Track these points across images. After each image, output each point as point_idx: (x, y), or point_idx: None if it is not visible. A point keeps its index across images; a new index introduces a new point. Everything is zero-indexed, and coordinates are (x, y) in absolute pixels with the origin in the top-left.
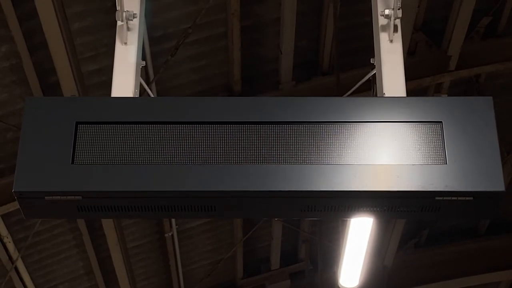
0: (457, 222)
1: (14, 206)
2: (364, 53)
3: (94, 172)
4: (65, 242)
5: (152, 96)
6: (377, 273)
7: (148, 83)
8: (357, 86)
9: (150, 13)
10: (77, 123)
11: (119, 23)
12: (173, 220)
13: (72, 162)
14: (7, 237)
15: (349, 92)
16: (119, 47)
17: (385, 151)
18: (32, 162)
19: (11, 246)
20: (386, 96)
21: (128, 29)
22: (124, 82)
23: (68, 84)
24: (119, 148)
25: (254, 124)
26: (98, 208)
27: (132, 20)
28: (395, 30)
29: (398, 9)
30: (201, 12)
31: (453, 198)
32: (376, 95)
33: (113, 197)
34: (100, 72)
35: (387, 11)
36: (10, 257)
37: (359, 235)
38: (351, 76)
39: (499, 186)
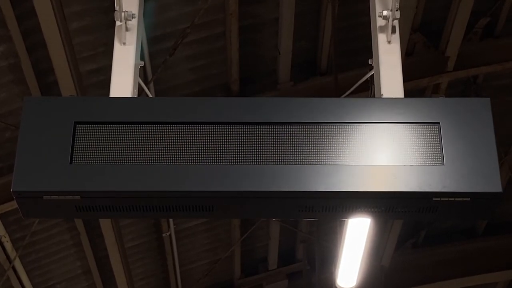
0: (455, 223)
1: (11, 205)
2: (362, 54)
3: (92, 172)
4: (63, 242)
5: (151, 96)
6: (375, 274)
7: (146, 83)
8: (355, 86)
9: (150, 13)
10: (76, 123)
11: (117, 23)
12: (171, 220)
13: (71, 162)
14: (5, 237)
15: (347, 93)
16: (117, 47)
17: (383, 152)
18: (31, 161)
19: (8, 246)
20: (384, 97)
21: (127, 29)
22: (123, 82)
23: (66, 84)
24: (117, 148)
25: (253, 125)
26: (97, 208)
27: (130, 20)
28: (393, 31)
29: (397, 10)
30: (199, 12)
31: (451, 198)
32: (374, 96)
33: (112, 197)
34: (98, 71)
35: (385, 12)
36: (7, 257)
37: (357, 235)
38: (349, 77)
39: (496, 187)
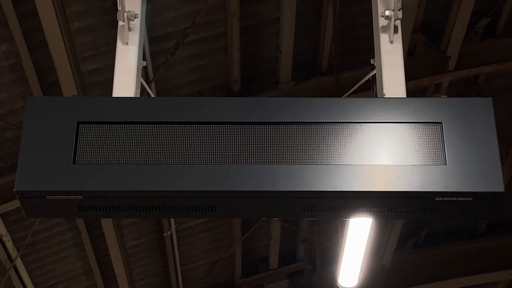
0: (455, 223)
1: (13, 205)
2: (363, 54)
3: (95, 172)
4: (64, 241)
5: (152, 96)
6: (376, 273)
7: (147, 83)
8: (356, 86)
9: (151, 13)
10: (79, 123)
11: (120, 23)
12: (172, 220)
13: (74, 162)
14: (6, 236)
15: (348, 93)
16: (120, 47)
17: (385, 152)
18: (34, 161)
19: (10, 245)
20: (386, 96)
21: (129, 29)
22: (125, 82)
23: (67, 84)
24: (120, 148)
25: (254, 125)
26: (99, 207)
27: (133, 20)
28: (395, 31)
29: (399, 10)
30: (200, 12)
31: (453, 198)
32: (376, 96)
33: (114, 197)
34: (99, 71)
35: (387, 12)
36: (9, 256)
37: (358, 235)
38: (350, 77)
39: (498, 186)
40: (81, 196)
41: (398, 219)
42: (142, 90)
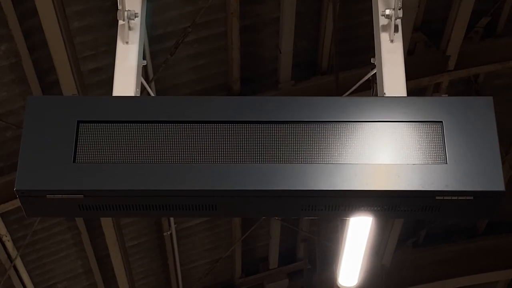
0: (455, 222)
1: (13, 204)
2: (363, 53)
3: (95, 171)
4: (64, 241)
5: (152, 95)
6: (375, 273)
7: (147, 82)
8: (357, 85)
9: (151, 12)
10: (79, 122)
11: (120, 22)
12: (171, 219)
13: (74, 161)
14: (6, 236)
15: (348, 92)
16: (120, 47)
17: (385, 151)
18: (34, 160)
19: (9, 245)
20: (386, 95)
21: (130, 28)
22: (126, 81)
23: (67, 83)
24: (120, 147)
25: (254, 124)
26: (100, 207)
27: (133, 19)
28: (396, 30)
29: (399, 9)
30: (200, 12)
31: (454, 197)
32: (376, 95)
33: (114, 196)
34: (99, 71)
35: (388, 11)
36: (8, 256)
37: (358, 234)
38: (350, 76)
39: (499, 185)
40: (81, 195)
41: (398, 218)
42: (142, 89)
